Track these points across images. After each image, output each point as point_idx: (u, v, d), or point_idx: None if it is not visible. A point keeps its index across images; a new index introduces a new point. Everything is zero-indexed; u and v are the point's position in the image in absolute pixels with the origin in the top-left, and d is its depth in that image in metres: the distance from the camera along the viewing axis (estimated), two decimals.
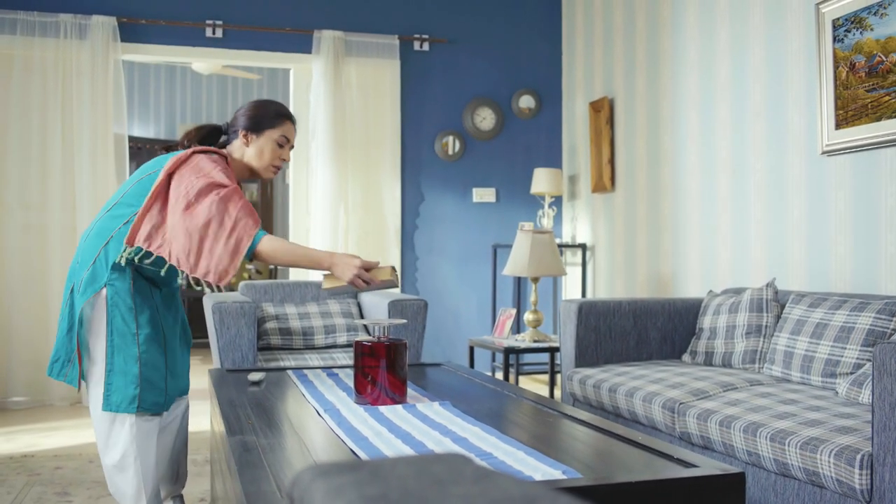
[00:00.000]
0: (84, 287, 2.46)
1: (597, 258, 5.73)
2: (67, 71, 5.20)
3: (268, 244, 2.41)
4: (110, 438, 2.48)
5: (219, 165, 2.48)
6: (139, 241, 2.40)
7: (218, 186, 2.40)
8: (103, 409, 2.44)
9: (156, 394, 2.48)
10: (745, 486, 1.63)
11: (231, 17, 5.51)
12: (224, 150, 2.62)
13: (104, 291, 2.45)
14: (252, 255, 2.40)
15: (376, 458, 0.76)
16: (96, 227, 2.52)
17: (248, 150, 2.64)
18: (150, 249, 2.40)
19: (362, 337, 2.48)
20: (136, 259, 2.43)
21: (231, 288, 6.65)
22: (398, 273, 2.50)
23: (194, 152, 2.51)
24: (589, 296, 5.80)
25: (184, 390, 2.70)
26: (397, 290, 5.66)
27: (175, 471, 2.76)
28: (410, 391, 2.59)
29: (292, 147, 2.71)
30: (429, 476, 0.71)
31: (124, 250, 2.43)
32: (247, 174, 2.69)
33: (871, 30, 3.43)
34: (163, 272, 2.44)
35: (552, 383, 4.89)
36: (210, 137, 2.70)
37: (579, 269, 5.88)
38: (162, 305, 2.58)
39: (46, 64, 5.18)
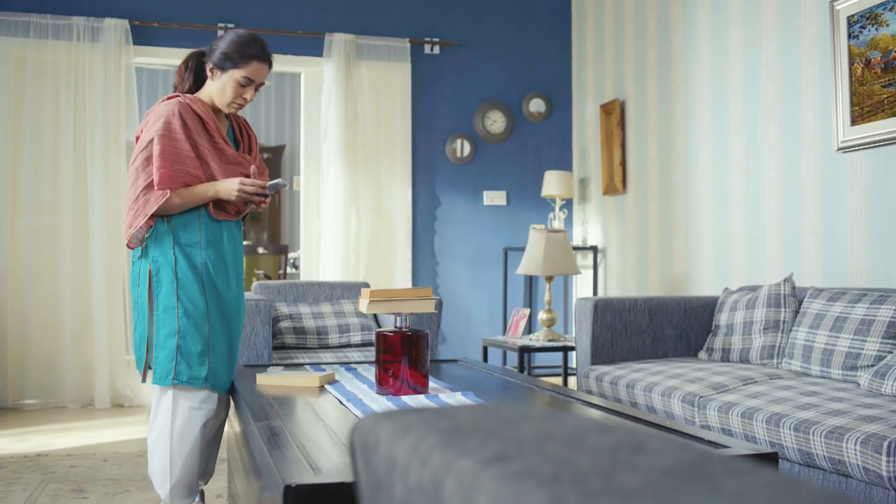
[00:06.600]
0: (132, 277, 2.58)
1: (608, 260, 5.72)
2: (80, 74, 5.21)
3: (165, 203, 2.49)
4: (155, 416, 2.55)
5: (167, 120, 2.51)
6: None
7: (148, 165, 2.51)
8: (152, 382, 2.51)
9: (194, 368, 2.48)
10: (778, 466, 1.62)
11: (242, 20, 5.53)
12: (183, 96, 2.59)
13: (150, 269, 2.52)
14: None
15: (436, 406, 0.76)
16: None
17: (213, 85, 2.62)
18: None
19: (383, 328, 2.48)
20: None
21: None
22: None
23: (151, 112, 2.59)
24: None
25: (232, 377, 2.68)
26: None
27: (204, 465, 2.76)
28: (431, 383, 2.58)
29: (262, 85, 2.66)
30: (496, 416, 0.71)
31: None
32: (213, 105, 2.66)
33: (887, 25, 3.43)
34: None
35: (566, 384, 4.87)
36: (199, 63, 2.71)
37: (591, 271, 5.87)
38: (214, 273, 2.56)
39: (59, 66, 5.20)
